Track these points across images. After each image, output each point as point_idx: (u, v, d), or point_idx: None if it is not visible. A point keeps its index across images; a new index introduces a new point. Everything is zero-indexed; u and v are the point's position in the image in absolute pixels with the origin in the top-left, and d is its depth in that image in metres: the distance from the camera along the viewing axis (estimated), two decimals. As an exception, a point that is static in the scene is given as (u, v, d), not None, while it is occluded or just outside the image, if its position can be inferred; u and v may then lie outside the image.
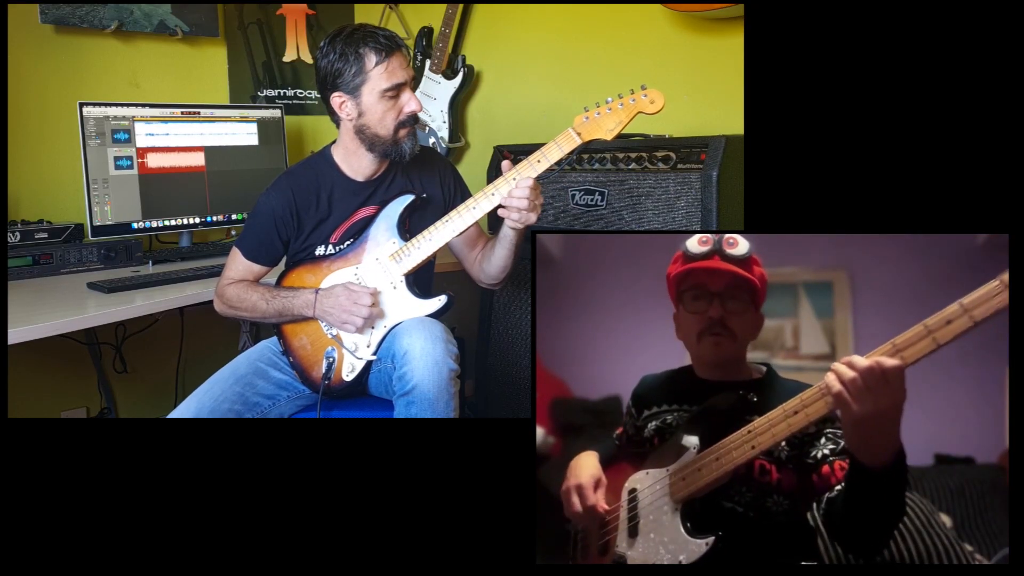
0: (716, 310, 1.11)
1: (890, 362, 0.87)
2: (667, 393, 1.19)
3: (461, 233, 1.61)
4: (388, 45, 1.57)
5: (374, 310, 1.58)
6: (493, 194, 1.57)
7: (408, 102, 1.61)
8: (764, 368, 1.16)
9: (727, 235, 1.12)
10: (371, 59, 1.57)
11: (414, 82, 2.65)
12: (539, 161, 1.55)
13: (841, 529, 0.99)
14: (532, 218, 1.56)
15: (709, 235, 1.13)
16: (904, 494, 0.96)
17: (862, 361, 0.89)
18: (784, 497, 1.04)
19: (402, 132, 1.63)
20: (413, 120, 1.64)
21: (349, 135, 1.66)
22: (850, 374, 0.89)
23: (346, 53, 1.57)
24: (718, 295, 1.11)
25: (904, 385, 0.88)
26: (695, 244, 1.13)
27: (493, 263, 1.71)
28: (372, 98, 1.59)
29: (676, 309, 1.18)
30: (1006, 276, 0.84)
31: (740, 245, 1.12)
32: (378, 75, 1.57)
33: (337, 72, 1.58)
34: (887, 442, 0.90)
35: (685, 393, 1.16)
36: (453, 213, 1.60)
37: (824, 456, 1.04)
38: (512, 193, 1.54)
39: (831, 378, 0.91)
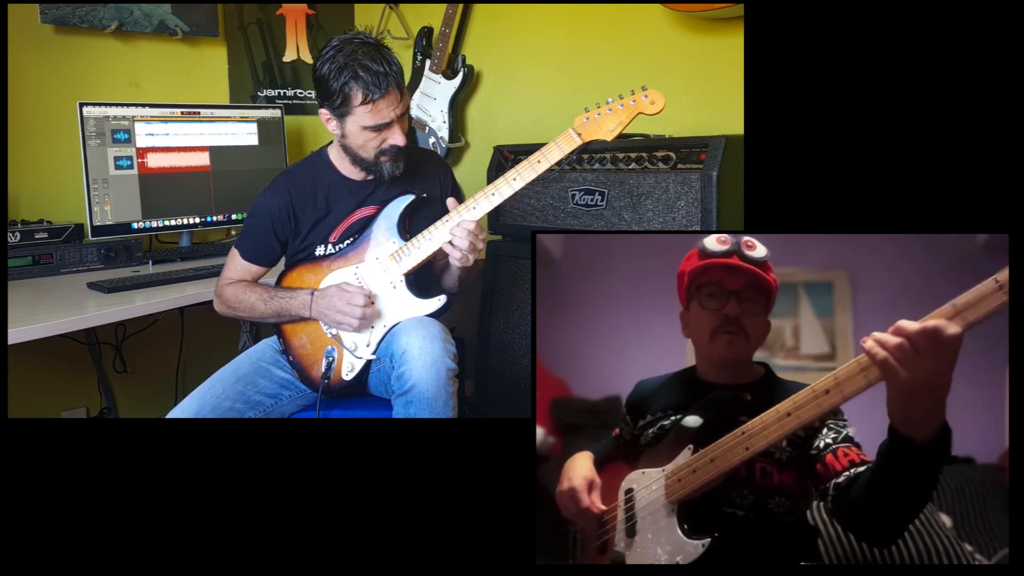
0: (732, 308, 1.09)
1: (951, 329, 0.83)
2: (666, 399, 1.18)
3: None
4: (378, 85, 1.52)
5: (369, 310, 1.57)
6: (493, 194, 1.57)
7: (392, 136, 1.59)
8: (763, 369, 1.15)
9: (745, 237, 1.12)
10: (358, 96, 1.53)
11: (413, 82, 2.65)
12: (539, 162, 1.55)
13: (857, 514, 0.98)
14: (470, 259, 1.58)
15: (727, 235, 1.12)
16: (939, 475, 0.91)
17: (911, 325, 0.85)
18: (786, 498, 1.04)
19: (383, 159, 1.62)
20: (396, 150, 1.62)
21: (338, 143, 1.68)
22: (894, 340, 0.85)
23: (337, 78, 1.53)
24: (735, 294, 1.10)
25: (958, 349, 0.84)
26: (714, 243, 1.12)
27: (445, 281, 1.75)
28: (355, 128, 1.58)
29: (685, 307, 1.17)
30: (1004, 274, 0.84)
31: (758, 248, 1.11)
32: (363, 112, 1.55)
33: (326, 92, 1.57)
34: (934, 412, 0.87)
35: (683, 397, 1.15)
36: (453, 213, 1.60)
37: (827, 445, 1.04)
38: (453, 232, 1.55)
39: (871, 345, 0.87)
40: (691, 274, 1.13)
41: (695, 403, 1.11)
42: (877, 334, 0.87)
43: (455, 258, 1.58)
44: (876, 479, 0.94)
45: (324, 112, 1.62)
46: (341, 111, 1.58)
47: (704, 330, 1.12)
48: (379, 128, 1.57)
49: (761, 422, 0.99)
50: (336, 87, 1.54)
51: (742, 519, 1.03)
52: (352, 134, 1.60)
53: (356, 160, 1.65)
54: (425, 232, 1.61)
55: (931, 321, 0.84)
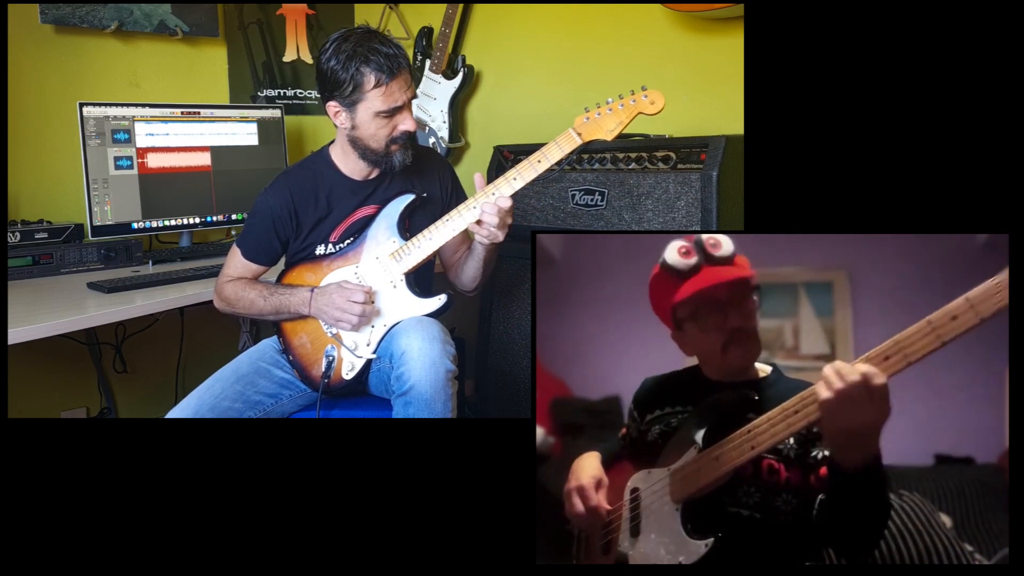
0: (735, 319, 1.08)
1: (878, 379, 0.87)
2: (671, 395, 1.17)
3: (461, 232, 1.62)
4: (390, 67, 1.53)
5: (368, 308, 1.57)
6: (493, 194, 1.57)
7: (403, 121, 1.59)
8: (770, 368, 1.15)
9: (706, 238, 1.09)
10: (370, 80, 1.54)
11: (415, 82, 2.65)
12: (539, 161, 1.55)
13: (830, 531, 1.00)
14: (500, 236, 1.56)
15: (688, 244, 1.09)
16: (886, 494, 0.96)
17: (851, 374, 0.88)
18: (793, 495, 1.03)
19: (394, 147, 1.62)
20: (406, 137, 1.62)
21: (343, 140, 1.67)
22: (838, 385, 0.88)
23: (347, 67, 1.54)
24: (730, 303, 1.08)
25: (888, 403, 0.88)
26: (677, 258, 1.09)
27: (466, 273, 1.73)
28: (367, 116, 1.58)
29: (677, 330, 1.14)
30: (1006, 272, 0.83)
31: (723, 245, 1.09)
32: (375, 96, 1.55)
33: (335, 83, 1.56)
34: (864, 451, 0.92)
35: (691, 394, 1.14)
36: (453, 212, 1.60)
37: (824, 457, 1.03)
38: (486, 207, 1.54)
39: (820, 386, 0.91)
40: (676, 306, 1.11)
41: (701, 402, 1.11)
42: (828, 372, 0.90)
43: (480, 234, 1.56)
44: (831, 501, 0.98)
45: (333, 105, 1.61)
46: (352, 99, 1.57)
47: (714, 347, 1.10)
48: (392, 112, 1.57)
49: (767, 421, 0.98)
50: (346, 76, 1.54)
51: (747, 518, 1.03)
52: (363, 123, 1.59)
53: (366, 153, 1.64)
54: (425, 232, 1.61)
55: (862, 365, 0.88)
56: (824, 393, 0.90)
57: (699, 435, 1.06)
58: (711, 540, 1.01)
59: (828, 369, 0.90)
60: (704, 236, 1.09)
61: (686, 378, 1.19)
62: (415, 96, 1.63)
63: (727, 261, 1.09)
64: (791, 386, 1.09)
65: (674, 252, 1.09)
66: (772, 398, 1.03)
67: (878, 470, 0.93)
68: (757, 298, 1.10)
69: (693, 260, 1.08)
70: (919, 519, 1.36)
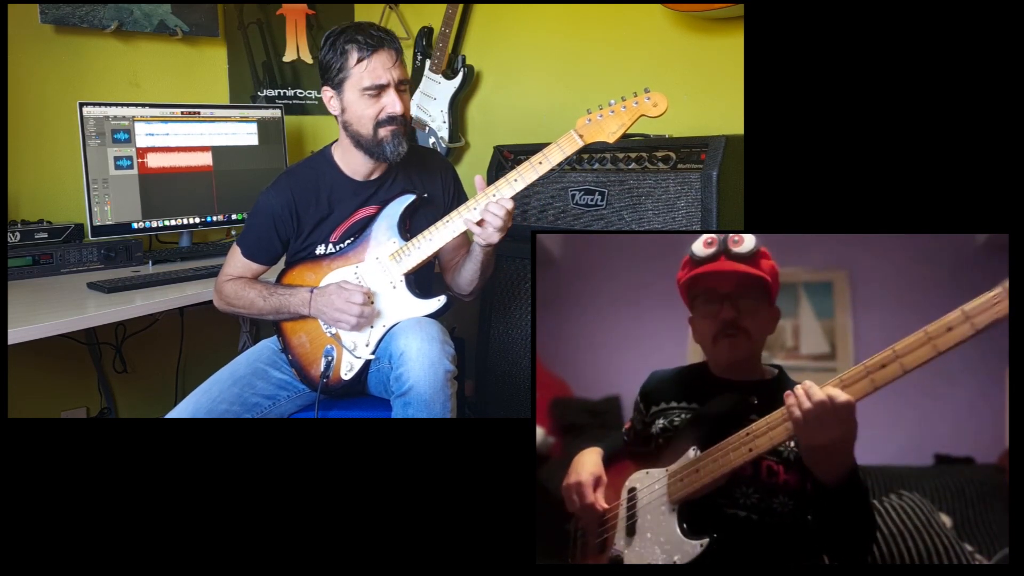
0: (728, 312, 1.10)
1: (841, 397, 0.92)
2: (678, 390, 1.18)
3: (460, 234, 1.61)
4: (372, 44, 1.56)
5: (367, 309, 1.57)
6: (494, 195, 1.57)
7: (391, 103, 1.59)
8: (775, 370, 1.16)
9: (731, 234, 1.12)
10: (353, 56, 1.57)
11: (413, 82, 2.65)
12: (540, 163, 1.55)
13: (824, 536, 1.03)
14: (496, 238, 1.56)
15: (714, 236, 1.12)
16: (868, 503, 1.01)
17: (817, 393, 0.94)
18: (790, 498, 1.04)
19: (382, 132, 1.60)
20: (394, 121, 1.60)
21: (343, 136, 1.67)
22: (807, 404, 0.94)
23: (335, 47, 1.58)
24: (728, 296, 1.11)
25: (854, 420, 0.93)
26: (700, 247, 1.13)
27: (463, 276, 1.72)
28: (353, 95, 1.59)
29: (690, 312, 1.18)
30: (1007, 283, 0.84)
31: (746, 242, 1.11)
32: (359, 73, 1.57)
33: (327, 66, 1.61)
34: (839, 466, 0.97)
35: (697, 390, 1.16)
36: (454, 214, 1.60)
37: None
38: (489, 207, 1.54)
39: (791, 402, 0.96)
40: (683, 285, 1.15)
41: (703, 404, 1.13)
42: (799, 391, 0.96)
43: (477, 233, 1.56)
44: (815, 514, 1.02)
45: (326, 91, 1.64)
46: (340, 79, 1.59)
47: (706, 336, 1.14)
48: (377, 91, 1.58)
49: (766, 424, 1.00)
50: (334, 56, 1.58)
51: (743, 519, 1.04)
52: (350, 104, 1.60)
53: (359, 141, 1.63)
54: (426, 232, 1.61)
55: (828, 389, 0.94)
56: (796, 411, 0.95)
57: (697, 440, 1.07)
58: (706, 540, 1.02)
59: (798, 389, 0.96)
60: (731, 234, 1.13)
61: (692, 374, 1.20)
62: (405, 79, 1.62)
63: (745, 258, 1.11)
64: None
65: (700, 242, 1.14)
66: (775, 401, 1.04)
67: (856, 481, 0.98)
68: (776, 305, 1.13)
69: (712, 250, 1.12)
70: (919, 519, 1.36)
